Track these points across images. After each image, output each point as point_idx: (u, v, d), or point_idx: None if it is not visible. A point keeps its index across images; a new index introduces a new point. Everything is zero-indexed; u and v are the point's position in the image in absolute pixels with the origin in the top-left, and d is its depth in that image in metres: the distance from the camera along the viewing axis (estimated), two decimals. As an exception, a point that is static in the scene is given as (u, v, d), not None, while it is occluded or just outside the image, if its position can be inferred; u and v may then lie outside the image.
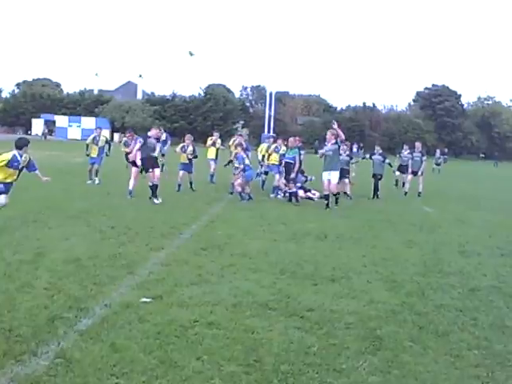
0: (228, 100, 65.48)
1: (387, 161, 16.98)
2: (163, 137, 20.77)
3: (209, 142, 18.66)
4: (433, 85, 77.79)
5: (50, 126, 65.31)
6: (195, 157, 15.25)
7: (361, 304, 5.57)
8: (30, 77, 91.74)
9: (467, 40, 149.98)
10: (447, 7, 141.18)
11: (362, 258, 7.77)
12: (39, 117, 66.53)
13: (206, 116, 62.28)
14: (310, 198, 14.13)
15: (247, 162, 14.03)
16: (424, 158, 17.89)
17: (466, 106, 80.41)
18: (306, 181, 15.54)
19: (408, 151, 19.00)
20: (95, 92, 72.93)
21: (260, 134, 52.94)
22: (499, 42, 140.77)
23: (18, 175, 8.75)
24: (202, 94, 66.13)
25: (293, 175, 14.29)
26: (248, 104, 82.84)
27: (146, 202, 12.26)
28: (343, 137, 13.30)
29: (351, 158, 16.39)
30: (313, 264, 7.16)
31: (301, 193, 14.21)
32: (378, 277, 6.74)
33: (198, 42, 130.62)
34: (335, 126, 12.83)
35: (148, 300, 5.24)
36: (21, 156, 8.51)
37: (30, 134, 59.32)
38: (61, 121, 66.13)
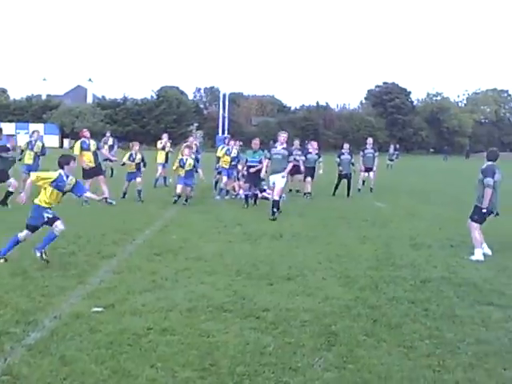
0: (181, 102, 64.74)
1: (352, 160, 17.18)
2: (110, 141, 20.42)
3: (159, 145, 18.15)
4: (383, 83, 79.36)
5: (-4, 133, 62.91)
6: (144, 165, 14.29)
7: (316, 301, 5.62)
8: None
9: (415, 37, 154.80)
10: (394, 6, 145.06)
11: (318, 255, 7.86)
12: (-17, 125, 64.03)
13: (159, 119, 61.38)
14: (265, 198, 14.15)
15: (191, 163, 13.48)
16: (376, 154, 18.26)
17: (415, 102, 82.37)
18: (262, 180, 15.50)
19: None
20: (43, 97, 70.54)
21: (215, 136, 52.73)
22: (446, 39, 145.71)
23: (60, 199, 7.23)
24: (155, 97, 65.18)
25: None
26: (202, 106, 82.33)
27: (97, 208, 11.94)
28: None
29: (319, 157, 16.68)
30: (268, 264, 7.18)
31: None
32: (332, 273, 6.83)
33: (150, 43, 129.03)
34: None
35: (99, 309, 5.10)
36: (67, 177, 7.07)
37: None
38: (7, 128, 63.77)
